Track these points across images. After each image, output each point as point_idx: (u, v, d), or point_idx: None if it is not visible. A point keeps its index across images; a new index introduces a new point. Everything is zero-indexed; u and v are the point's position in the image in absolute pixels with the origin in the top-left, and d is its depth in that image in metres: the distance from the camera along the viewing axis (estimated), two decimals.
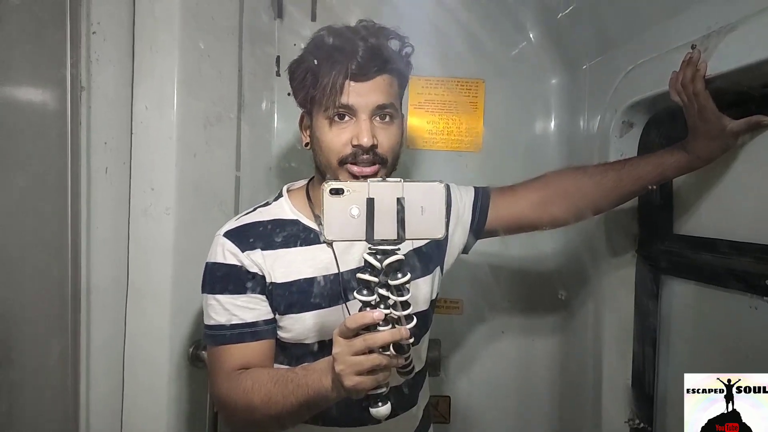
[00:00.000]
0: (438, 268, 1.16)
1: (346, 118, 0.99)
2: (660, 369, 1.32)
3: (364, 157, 0.98)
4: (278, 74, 1.67)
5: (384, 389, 0.83)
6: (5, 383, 1.07)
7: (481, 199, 1.18)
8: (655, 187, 1.18)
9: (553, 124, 1.72)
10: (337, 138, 0.99)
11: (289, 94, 1.62)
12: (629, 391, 1.38)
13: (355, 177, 0.98)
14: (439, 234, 0.75)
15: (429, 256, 1.13)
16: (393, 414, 1.05)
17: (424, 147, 1.71)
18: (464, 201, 1.18)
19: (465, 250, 1.21)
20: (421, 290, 1.11)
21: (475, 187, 1.21)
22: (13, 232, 1.07)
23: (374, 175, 0.99)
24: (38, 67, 1.13)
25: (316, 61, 0.99)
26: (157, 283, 1.30)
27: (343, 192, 0.74)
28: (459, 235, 1.17)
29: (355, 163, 0.98)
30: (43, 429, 1.18)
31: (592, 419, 1.45)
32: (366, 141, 0.97)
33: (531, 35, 1.69)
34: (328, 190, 0.74)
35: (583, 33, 1.51)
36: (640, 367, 1.35)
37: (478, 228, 1.18)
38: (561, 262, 1.69)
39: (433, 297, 1.16)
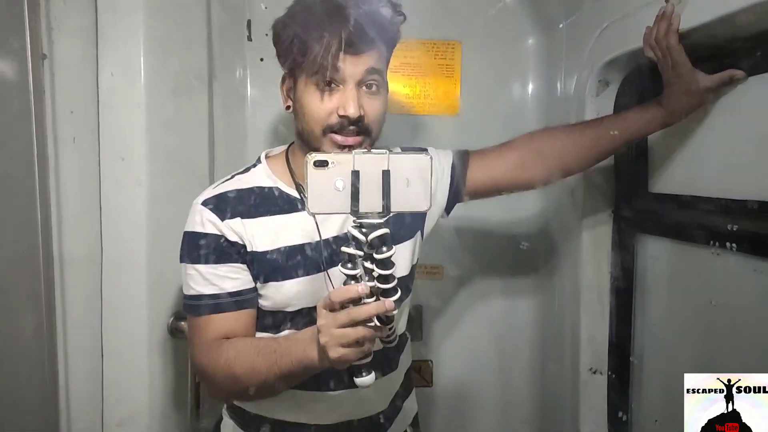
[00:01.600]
0: (419, 233, 1.16)
1: (333, 86, 0.96)
2: (636, 327, 1.35)
3: (351, 128, 0.96)
4: (250, 39, 1.63)
5: (368, 359, 0.83)
6: None
7: (460, 162, 1.17)
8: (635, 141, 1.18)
9: (530, 85, 1.70)
10: (323, 106, 0.96)
11: (262, 60, 1.63)
12: (601, 353, 1.40)
13: (339, 147, 0.96)
14: (425, 207, 0.75)
15: (409, 220, 1.13)
16: (375, 378, 1.08)
17: (401, 111, 1.68)
18: (443, 165, 1.17)
19: (446, 213, 1.21)
20: (402, 255, 1.10)
21: (453, 151, 1.20)
22: None
23: (358, 145, 0.97)
24: None
25: (305, 25, 0.95)
26: (132, 254, 1.28)
27: (327, 164, 0.73)
28: (438, 199, 1.17)
29: (339, 133, 0.97)
30: (23, 404, 1.18)
31: (571, 377, 1.48)
32: (353, 112, 0.94)
33: None
34: (312, 162, 0.73)
35: None
36: (616, 326, 1.38)
37: (457, 191, 1.17)
38: (539, 223, 1.70)
39: (414, 262, 1.16)
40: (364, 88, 0.97)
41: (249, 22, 1.62)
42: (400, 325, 1.16)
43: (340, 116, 0.95)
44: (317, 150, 0.97)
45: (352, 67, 0.95)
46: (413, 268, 1.16)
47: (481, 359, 1.79)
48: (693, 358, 1.15)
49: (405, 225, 1.12)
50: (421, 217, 1.16)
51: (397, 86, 1.68)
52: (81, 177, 1.25)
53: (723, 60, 1.03)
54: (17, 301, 1.14)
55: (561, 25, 1.53)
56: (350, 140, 0.97)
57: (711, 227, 1.06)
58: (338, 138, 0.96)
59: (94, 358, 1.30)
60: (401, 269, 1.10)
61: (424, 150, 1.18)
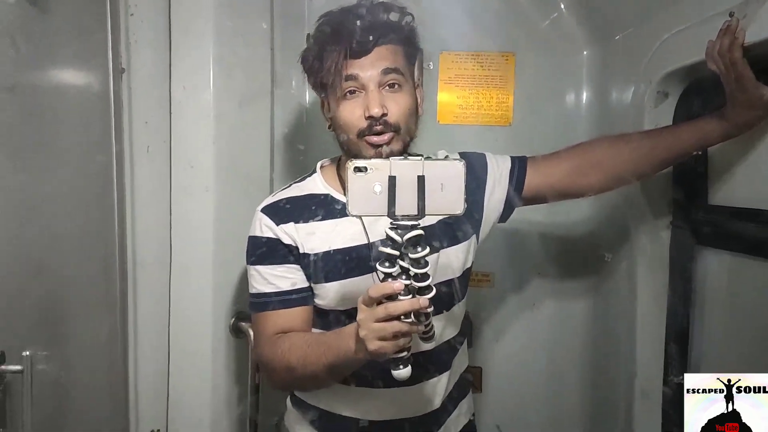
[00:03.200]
0: (474, 237, 1.18)
1: (356, 92, 1.03)
2: (694, 337, 1.33)
3: (378, 127, 1.02)
4: None
5: (405, 353, 0.87)
6: (61, 358, 1.13)
7: (518, 168, 1.19)
8: (695, 153, 1.18)
9: (584, 96, 1.70)
10: (351, 114, 1.03)
11: None
12: (662, 359, 1.39)
13: (374, 146, 1.03)
14: (458, 210, 0.79)
15: (463, 225, 1.15)
16: (426, 378, 1.11)
17: (455, 122, 1.71)
18: (501, 170, 1.19)
19: (502, 218, 1.22)
20: (455, 258, 1.13)
21: (511, 156, 1.22)
22: (63, 213, 1.12)
23: (389, 142, 1.03)
24: (82, 51, 1.17)
25: (319, 46, 1.05)
26: (199, 258, 1.35)
27: (366, 170, 0.78)
28: (495, 204, 1.19)
29: (372, 134, 1.03)
30: (95, 400, 1.25)
31: (624, 391, 1.47)
32: (376, 111, 1.00)
33: (562, 6, 1.67)
34: (352, 168, 0.78)
35: (615, 3, 1.48)
36: (674, 335, 1.36)
37: (515, 196, 1.19)
38: (594, 230, 1.69)
39: (468, 266, 1.18)
40: (386, 88, 1.04)
41: (308, 36, 1.66)
42: (449, 331, 1.18)
43: (367, 118, 1.02)
44: (358, 156, 1.03)
45: (366, 71, 1.02)
46: (467, 271, 1.18)
47: (531, 367, 1.79)
48: (750, 371, 1.13)
49: (460, 228, 1.15)
50: (477, 221, 1.18)
51: (451, 97, 1.71)
52: (154, 184, 1.32)
53: None
54: (96, 303, 1.22)
55: (617, 37, 1.52)
56: (382, 138, 1.03)
57: None
58: (373, 138, 1.03)
59: (162, 355, 1.37)
60: (454, 271, 1.13)
61: (481, 155, 1.20)
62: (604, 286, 1.66)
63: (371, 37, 1.02)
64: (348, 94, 1.03)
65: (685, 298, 1.33)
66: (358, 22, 1.01)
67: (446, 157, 1.19)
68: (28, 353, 0.95)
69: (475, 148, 1.24)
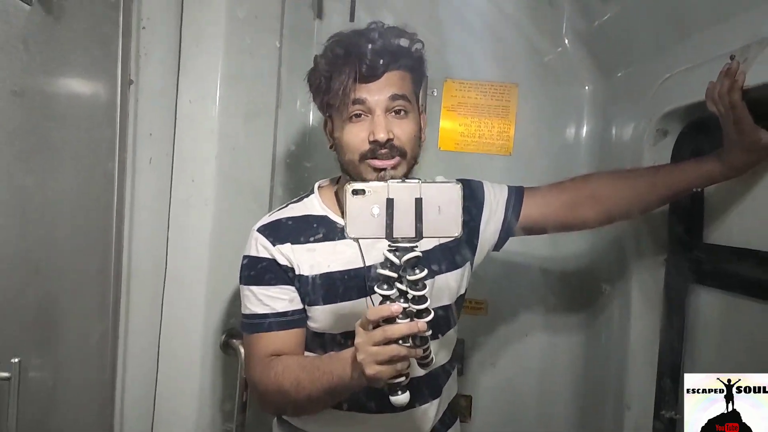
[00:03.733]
0: (468, 264, 1.19)
1: (362, 116, 1.04)
2: (685, 374, 1.32)
3: (383, 151, 1.02)
4: None
5: (403, 379, 0.87)
6: (52, 361, 1.12)
7: (515, 197, 1.20)
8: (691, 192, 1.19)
9: (585, 130, 1.72)
10: (356, 137, 1.04)
11: None
12: (653, 395, 1.38)
13: (377, 170, 1.03)
14: (455, 232, 0.79)
15: (458, 251, 1.16)
16: (417, 403, 1.10)
17: (456, 149, 1.73)
18: (498, 198, 1.20)
19: (496, 247, 1.23)
20: (447, 284, 1.13)
21: (509, 186, 1.23)
22: (63, 217, 1.12)
23: (395, 166, 1.03)
24: (93, 61, 1.18)
25: (328, 66, 1.05)
26: (194, 271, 1.35)
27: (364, 192, 0.79)
28: (491, 232, 1.20)
29: (375, 158, 1.03)
30: (82, 409, 1.24)
31: (614, 422, 1.46)
32: (382, 136, 1.01)
33: (566, 41, 1.70)
34: (350, 190, 0.79)
35: (619, 40, 1.51)
36: (666, 371, 1.36)
37: (510, 225, 1.20)
38: (588, 264, 1.70)
39: (461, 292, 1.18)
40: (393, 114, 1.04)
41: (316, 57, 1.69)
42: (442, 356, 1.18)
43: (371, 142, 1.02)
44: (359, 179, 1.04)
45: (374, 96, 1.02)
46: (460, 298, 1.19)
47: (521, 397, 1.78)
48: None
49: (454, 255, 1.15)
50: (471, 248, 1.19)
51: (453, 124, 1.73)
52: (154, 195, 1.33)
53: None
54: (89, 309, 1.21)
55: (619, 74, 1.55)
56: (387, 163, 1.03)
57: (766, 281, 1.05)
58: (376, 162, 1.03)
59: (150, 367, 1.36)
60: (446, 298, 1.13)
61: (478, 183, 1.21)
62: (598, 320, 1.66)
63: (381, 62, 1.02)
64: (354, 117, 1.04)
65: (677, 334, 1.33)
66: (369, 46, 1.02)
67: (420, 181, 1.20)
68: (17, 360, 0.94)
69: (474, 176, 1.25)
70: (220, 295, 1.38)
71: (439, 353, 1.15)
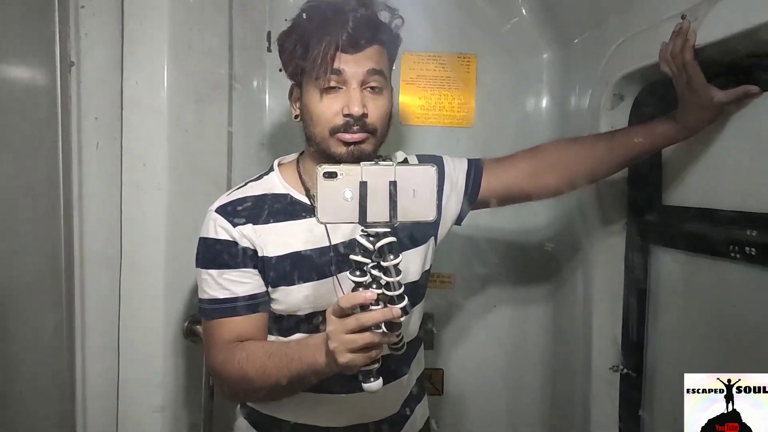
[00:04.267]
0: (432, 239, 1.17)
1: (337, 88, 1.00)
2: (649, 332, 1.35)
3: (355, 127, 0.99)
4: (269, 50, 1.66)
5: (376, 365, 0.85)
6: (2, 358, 1.08)
7: (475, 170, 1.19)
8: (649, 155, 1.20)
9: (545, 98, 1.72)
10: (328, 108, 1.00)
11: (280, 70, 1.64)
12: (619, 353, 1.41)
13: (346, 144, 1.00)
14: (431, 216, 0.77)
15: (422, 227, 1.14)
16: (385, 381, 1.09)
17: (417, 123, 1.71)
18: (458, 171, 1.19)
19: (458, 220, 1.22)
20: (413, 261, 1.12)
21: (468, 159, 1.22)
22: (5, 207, 1.08)
23: (364, 140, 1.00)
24: (27, 43, 1.13)
25: (306, 32, 0.99)
26: (151, 258, 1.30)
27: (336, 175, 0.75)
28: (453, 206, 1.18)
29: (345, 132, 0.99)
30: (41, 402, 1.20)
31: (582, 386, 1.48)
32: (356, 110, 0.97)
33: (523, 10, 1.68)
34: (321, 173, 0.75)
35: (575, 6, 1.50)
36: (629, 330, 1.38)
37: (472, 198, 1.19)
38: (552, 232, 1.70)
39: (426, 268, 1.17)
40: (367, 89, 1.01)
41: (269, 34, 1.65)
42: (412, 330, 1.17)
43: (345, 116, 0.99)
44: (327, 153, 1.01)
45: (352, 68, 0.99)
46: (425, 273, 1.17)
47: (492, 368, 1.79)
48: (703, 363, 1.16)
49: (418, 231, 1.13)
50: (434, 224, 1.17)
51: (413, 98, 1.70)
52: (103, 181, 1.28)
53: (738, 75, 1.04)
54: (40, 300, 1.17)
55: (576, 41, 1.55)
56: (357, 136, 0.99)
57: (726, 239, 1.06)
58: (345, 136, 0.99)
59: (111, 358, 1.32)
60: (412, 274, 1.12)
61: (438, 158, 1.20)
62: (563, 286, 1.67)
63: (364, 35, 0.98)
64: (328, 87, 0.99)
65: (639, 296, 1.35)
66: (353, 16, 0.97)
67: (405, 159, 1.19)
68: None
69: (436, 149, 1.23)
70: (181, 281, 1.34)
71: (407, 330, 1.14)
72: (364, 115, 0.99)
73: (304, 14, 1.02)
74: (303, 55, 1.00)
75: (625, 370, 1.39)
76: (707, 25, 0.97)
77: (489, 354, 1.78)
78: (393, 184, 0.75)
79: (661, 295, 1.32)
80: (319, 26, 0.98)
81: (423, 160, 1.19)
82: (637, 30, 1.21)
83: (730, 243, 1.04)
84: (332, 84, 0.99)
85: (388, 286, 0.80)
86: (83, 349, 1.27)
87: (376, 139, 1.03)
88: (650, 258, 1.34)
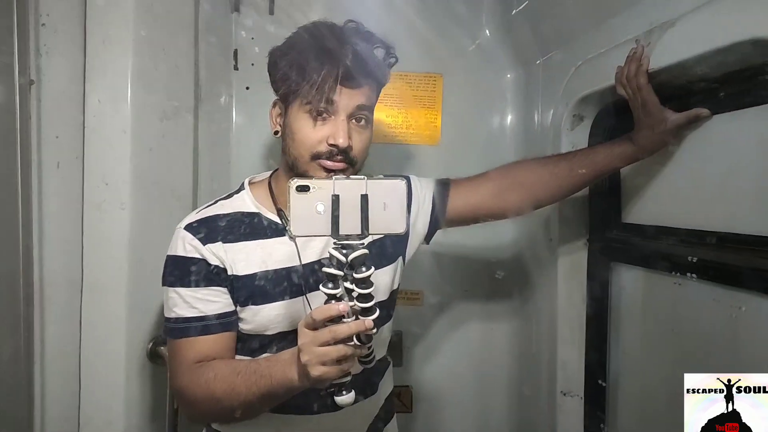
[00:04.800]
0: (400, 258, 1.18)
1: (325, 116, 1.00)
2: (611, 348, 1.38)
3: (338, 157, 1.00)
4: (236, 68, 1.66)
5: (348, 378, 0.86)
6: None
7: (441, 191, 1.21)
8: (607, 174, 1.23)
9: (509, 117, 1.76)
10: (314, 135, 1.00)
11: (248, 88, 1.66)
12: (575, 377, 1.43)
13: (326, 171, 1.00)
14: (401, 229, 0.78)
15: (391, 246, 1.15)
16: (354, 401, 1.08)
17: (384, 141, 1.72)
18: (424, 192, 1.20)
19: (426, 240, 1.23)
20: (382, 280, 1.12)
21: (435, 179, 1.24)
22: None
23: (343, 171, 1.01)
24: None
25: (304, 55, 0.99)
26: (113, 278, 1.28)
27: (309, 189, 0.76)
28: (420, 226, 1.20)
29: (328, 159, 1.00)
30: None
31: (547, 400, 1.50)
32: (342, 142, 0.98)
33: (487, 31, 1.73)
34: (294, 187, 0.76)
35: (537, 29, 1.55)
36: (592, 347, 1.41)
37: (439, 218, 1.20)
38: (516, 251, 1.73)
39: (395, 287, 1.18)
40: (353, 121, 1.02)
41: (236, 52, 1.65)
42: (380, 350, 1.17)
43: (330, 144, 0.99)
44: (304, 174, 1.01)
45: (345, 101, 0.99)
46: (393, 293, 1.18)
47: (460, 384, 1.80)
48: (664, 381, 1.18)
49: (386, 250, 1.14)
50: (402, 243, 1.18)
51: (380, 116, 1.72)
52: (64, 201, 1.26)
53: (690, 99, 1.08)
54: None
55: (538, 62, 1.58)
56: (338, 165, 1.00)
57: (677, 256, 1.11)
58: (327, 163, 1.00)
59: (72, 382, 1.29)
60: (380, 294, 1.12)
61: (405, 177, 1.21)
62: (528, 302, 1.70)
63: (363, 72, 0.99)
64: (317, 114, 0.99)
65: (601, 312, 1.38)
66: (351, 49, 0.98)
67: (365, 178, 1.20)
68: None
69: (404, 167, 1.25)
70: (144, 302, 1.32)
71: (374, 350, 1.14)
72: (349, 147, 0.99)
73: (303, 35, 1.02)
74: (299, 78, 0.99)
75: (575, 395, 1.41)
76: (660, 50, 1.01)
77: (457, 370, 1.79)
78: (364, 198, 0.77)
79: (622, 311, 1.35)
80: (320, 53, 0.98)
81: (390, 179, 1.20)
82: (596, 53, 1.25)
83: (684, 259, 1.07)
84: (321, 111, 0.99)
85: (360, 297, 0.80)
86: (43, 373, 1.23)
87: (354, 171, 1.04)
88: (611, 274, 1.38)
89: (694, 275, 1.05)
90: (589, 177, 1.19)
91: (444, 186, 1.22)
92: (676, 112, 1.07)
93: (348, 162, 1.01)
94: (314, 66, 0.97)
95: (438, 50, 1.73)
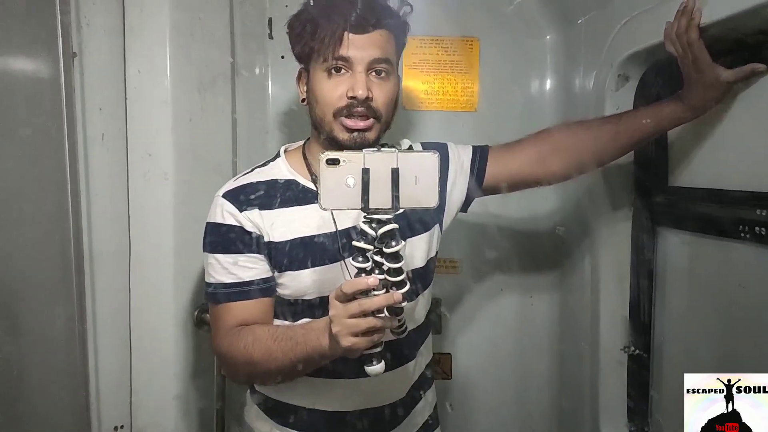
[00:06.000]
0: (437, 226, 1.17)
1: (343, 71, 1.00)
2: (656, 313, 1.36)
3: (359, 109, 0.99)
4: (271, 37, 1.65)
5: (379, 348, 0.86)
6: (14, 352, 1.09)
7: (480, 157, 1.19)
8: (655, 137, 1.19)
9: (549, 81, 1.71)
10: (333, 90, 1.00)
11: (283, 57, 1.65)
12: (628, 333, 1.41)
13: (349, 130, 1.00)
14: (433, 203, 0.77)
15: (427, 213, 1.14)
16: (393, 366, 1.09)
17: (420, 108, 1.70)
18: (462, 159, 1.19)
19: (464, 208, 1.22)
20: (418, 248, 1.12)
21: (473, 146, 1.22)
22: (12, 202, 1.08)
23: (369, 128, 1.01)
24: (30, 35, 1.13)
25: (315, 13, 1.00)
26: (159, 248, 1.31)
27: (339, 162, 0.76)
28: (458, 193, 1.18)
29: (350, 116, 1.00)
30: (54, 393, 1.22)
31: (590, 370, 1.49)
32: (360, 93, 0.98)
33: None
34: (324, 160, 0.76)
35: None
36: (638, 311, 1.38)
37: (477, 185, 1.19)
38: (558, 217, 1.70)
39: (432, 255, 1.17)
40: (373, 74, 1.01)
41: (270, 21, 1.65)
42: (419, 317, 1.18)
43: (349, 98, 0.99)
44: (330, 136, 1.02)
45: (359, 52, 0.99)
46: (431, 260, 1.17)
47: (500, 352, 1.80)
48: (712, 344, 1.16)
49: (422, 217, 1.14)
50: (439, 210, 1.17)
51: (415, 83, 1.69)
52: (109, 173, 1.28)
53: (744, 53, 1.03)
54: (49, 294, 1.18)
55: (579, 21, 1.53)
56: (360, 123, 1.00)
57: (730, 219, 1.07)
58: (348, 122, 1.00)
59: (123, 349, 1.34)
60: (418, 261, 1.12)
61: (443, 145, 1.19)
62: (570, 270, 1.68)
63: (373, 17, 0.99)
64: (333, 70, 1.00)
65: (647, 278, 1.36)
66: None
67: (410, 147, 1.19)
68: None
69: (440, 135, 1.24)
70: (190, 270, 1.35)
71: (412, 318, 1.15)
72: (369, 99, 0.99)
73: None
74: (311, 36, 1.00)
75: (636, 351, 1.39)
76: (712, 3, 0.96)
77: (497, 338, 1.79)
78: (395, 171, 0.76)
79: (668, 277, 1.32)
80: (328, 6, 0.99)
81: (428, 147, 1.19)
82: (642, 9, 1.20)
83: (738, 223, 1.04)
84: (337, 66, 1.00)
85: (390, 271, 0.80)
86: (95, 341, 1.28)
87: (380, 126, 1.03)
88: (657, 240, 1.34)
89: (755, 239, 1.01)
90: (636, 140, 1.16)
91: (482, 152, 1.20)
92: (729, 69, 1.02)
93: (372, 115, 1.00)
94: (324, 21, 0.98)
95: (474, 13, 1.68)
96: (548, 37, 1.69)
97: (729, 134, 1.10)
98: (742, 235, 1.03)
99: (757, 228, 1.00)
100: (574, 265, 1.64)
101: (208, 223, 1.07)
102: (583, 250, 1.57)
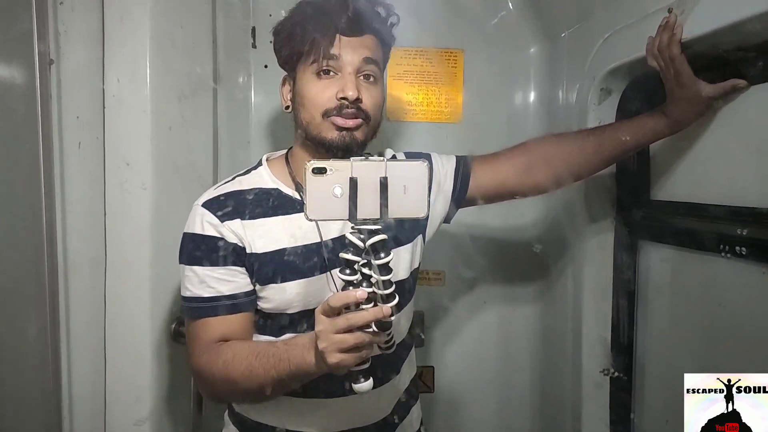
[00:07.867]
0: (420, 237, 1.16)
1: (332, 73, 1.00)
2: (638, 332, 1.35)
3: (348, 110, 0.99)
4: (254, 46, 1.64)
5: (366, 365, 0.83)
6: None
7: (463, 168, 1.18)
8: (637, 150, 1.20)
9: (532, 93, 1.71)
10: (322, 92, 1.00)
11: (266, 66, 1.64)
12: (609, 355, 1.40)
13: (340, 129, 0.99)
14: (422, 213, 0.75)
15: (410, 224, 1.13)
16: (377, 383, 1.07)
17: (405, 119, 1.70)
18: (446, 169, 1.18)
19: (447, 219, 1.21)
20: (402, 259, 1.11)
21: (456, 156, 1.21)
22: None
23: (357, 127, 1.00)
24: (4, 41, 1.10)
25: (304, 17, 1.00)
26: (136, 259, 1.28)
27: (325, 171, 0.73)
28: (441, 204, 1.17)
29: (339, 115, 0.99)
30: (25, 407, 1.18)
31: (572, 382, 1.48)
32: (351, 94, 0.97)
33: (509, 4, 1.67)
34: (310, 169, 0.73)
35: (562, 0, 1.50)
36: (619, 331, 1.38)
37: (460, 196, 1.18)
38: (541, 230, 1.70)
39: (415, 266, 1.16)
40: (362, 78, 1.01)
41: (254, 30, 1.63)
42: (402, 331, 1.16)
43: (339, 99, 0.98)
44: (318, 138, 1.00)
45: (349, 55, 0.99)
46: (414, 272, 1.16)
47: (483, 365, 1.79)
48: (694, 362, 1.16)
49: (405, 229, 1.12)
50: (422, 221, 1.16)
51: (400, 93, 1.69)
52: (86, 181, 1.26)
53: (725, 69, 1.04)
54: (22, 304, 1.15)
55: (563, 35, 1.54)
56: (350, 122, 0.99)
57: (711, 233, 1.07)
58: (338, 120, 0.99)
59: (98, 362, 1.30)
60: (401, 272, 1.10)
61: (426, 155, 1.19)
62: (552, 283, 1.67)
63: (363, 21, 0.99)
64: (322, 73, 1.00)
65: (628, 293, 1.35)
66: (352, 2, 0.98)
67: (393, 156, 1.17)
68: None
69: (425, 146, 1.23)
70: (167, 282, 1.32)
71: (399, 329, 1.13)
72: (358, 100, 0.98)
73: (301, 4, 1.03)
74: (301, 39, 1.00)
75: (615, 374, 1.39)
76: (694, 18, 0.96)
77: (479, 351, 1.78)
78: (384, 180, 0.74)
79: (650, 292, 1.32)
80: (318, 9, 0.99)
81: (411, 157, 1.18)
82: (624, 24, 1.21)
83: (718, 238, 1.04)
84: (326, 69, 0.99)
85: (379, 284, 0.78)
86: (69, 353, 1.25)
87: (368, 128, 1.02)
88: (639, 254, 1.34)
89: (735, 255, 1.01)
90: (618, 153, 1.16)
91: (465, 163, 1.19)
92: (710, 84, 1.03)
93: (361, 117, 1.00)
94: (315, 23, 0.98)
95: (458, 25, 1.68)
96: (532, 50, 1.70)
97: (710, 149, 1.11)
98: (722, 251, 1.03)
99: (737, 246, 1.00)
100: (557, 277, 1.64)
101: (185, 234, 1.03)
102: (565, 262, 1.57)
